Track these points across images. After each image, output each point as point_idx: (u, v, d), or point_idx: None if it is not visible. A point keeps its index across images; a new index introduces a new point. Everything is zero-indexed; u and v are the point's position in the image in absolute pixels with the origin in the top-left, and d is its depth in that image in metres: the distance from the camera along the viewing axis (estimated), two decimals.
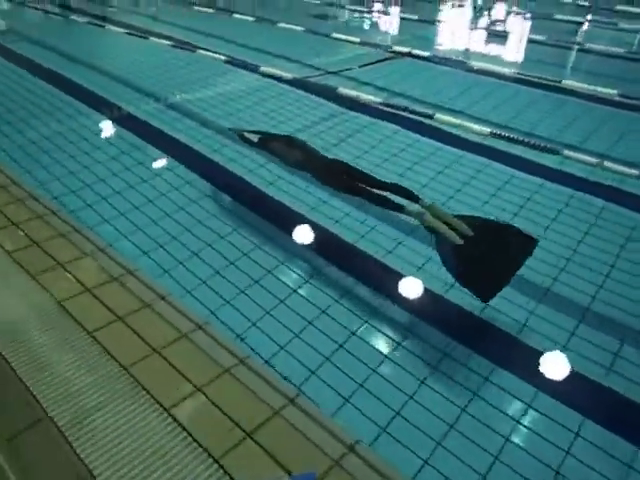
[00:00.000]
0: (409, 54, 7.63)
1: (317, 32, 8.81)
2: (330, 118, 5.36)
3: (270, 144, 4.21)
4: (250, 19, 9.72)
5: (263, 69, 6.56)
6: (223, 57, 7.06)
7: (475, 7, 12.25)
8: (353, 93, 5.86)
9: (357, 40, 8.32)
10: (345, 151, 4.58)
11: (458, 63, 7.46)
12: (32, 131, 4.70)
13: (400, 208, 3.27)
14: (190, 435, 1.92)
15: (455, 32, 10.14)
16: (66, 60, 6.91)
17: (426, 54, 7.68)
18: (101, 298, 2.55)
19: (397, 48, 7.86)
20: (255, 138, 4.36)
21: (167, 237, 3.41)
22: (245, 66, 6.79)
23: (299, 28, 8.98)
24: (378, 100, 5.75)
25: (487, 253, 2.80)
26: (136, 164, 4.24)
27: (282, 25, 9.11)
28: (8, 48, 7.27)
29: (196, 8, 10.75)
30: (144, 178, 4.04)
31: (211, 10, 10.53)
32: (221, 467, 1.82)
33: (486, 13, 11.74)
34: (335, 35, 8.58)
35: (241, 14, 9.94)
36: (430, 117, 5.33)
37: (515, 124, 5.34)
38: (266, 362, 2.50)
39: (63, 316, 2.42)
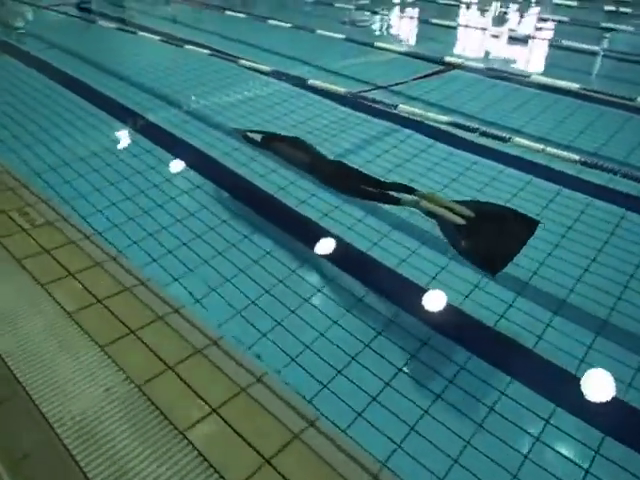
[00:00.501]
0: (460, 66, 6.94)
1: (358, 40, 8.13)
2: (383, 137, 4.91)
3: (274, 144, 4.23)
4: (285, 25, 8.79)
5: (311, 82, 5.98)
6: (264, 67, 6.45)
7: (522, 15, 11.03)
8: (410, 109, 5.35)
9: (401, 49, 7.70)
10: (409, 178, 3.97)
11: (516, 76, 6.64)
12: (44, 133, 4.71)
13: (397, 200, 3.29)
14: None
15: (506, 41, 9.19)
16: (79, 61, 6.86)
17: (480, 66, 6.99)
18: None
19: (447, 59, 7.16)
20: (258, 138, 4.38)
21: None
22: (288, 79, 6.20)
23: (338, 36, 8.26)
24: (444, 119, 5.10)
25: (490, 231, 2.86)
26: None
27: (320, 32, 8.32)
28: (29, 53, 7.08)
29: (228, 13, 9.97)
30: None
31: (242, 15, 9.78)
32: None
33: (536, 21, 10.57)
34: (379, 44, 7.83)
35: (276, 20, 9.02)
36: (505, 140, 4.68)
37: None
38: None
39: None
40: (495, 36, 9.49)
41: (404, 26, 10.36)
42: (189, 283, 2.98)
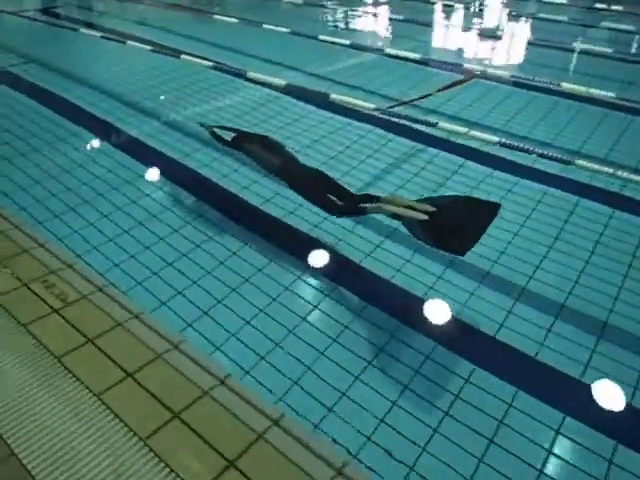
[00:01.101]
0: (484, 74, 6.43)
1: (370, 47, 7.67)
2: (409, 159, 4.47)
3: (244, 144, 3.98)
4: (283, 30, 8.14)
5: (335, 96, 5.54)
6: (277, 81, 5.94)
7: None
8: (451, 127, 4.92)
9: (417, 57, 7.03)
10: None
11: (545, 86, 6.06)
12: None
13: (363, 210, 3.21)
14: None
15: (530, 48, 8.17)
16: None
17: (505, 74, 6.46)
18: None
19: (469, 66, 6.71)
20: (228, 136, 4.13)
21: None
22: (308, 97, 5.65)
23: (344, 41, 7.68)
24: (494, 139, 4.67)
25: (453, 218, 2.91)
26: None
27: (323, 37, 7.80)
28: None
29: (217, 17, 9.31)
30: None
31: (235, 20, 8.82)
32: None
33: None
34: (390, 51, 7.32)
35: (270, 24, 8.37)
36: (567, 163, 4.34)
37: None
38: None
39: None
40: (512, 41, 8.62)
41: (413, 30, 9.24)
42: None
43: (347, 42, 7.73)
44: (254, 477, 1.73)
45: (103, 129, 4.91)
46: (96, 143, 4.72)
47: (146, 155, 4.48)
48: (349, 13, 10.21)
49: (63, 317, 2.38)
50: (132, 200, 3.76)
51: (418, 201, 3.04)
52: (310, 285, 3.03)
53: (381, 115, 5.20)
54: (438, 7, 10.62)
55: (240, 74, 6.21)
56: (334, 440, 2.09)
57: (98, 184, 3.94)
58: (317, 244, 3.37)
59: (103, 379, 2.08)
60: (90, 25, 8.65)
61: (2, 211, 3.29)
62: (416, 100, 5.56)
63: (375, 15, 10.35)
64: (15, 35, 8.26)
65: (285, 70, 6.57)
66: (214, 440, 1.85)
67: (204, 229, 3.47)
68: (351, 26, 9.58)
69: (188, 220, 3.57)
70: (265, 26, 8.34)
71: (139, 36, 7.67)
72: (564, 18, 9.40)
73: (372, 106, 5.32)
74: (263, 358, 2.50)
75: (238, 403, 2.00)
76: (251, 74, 6.14)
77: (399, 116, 5.18)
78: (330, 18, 9.95)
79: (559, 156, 4.41)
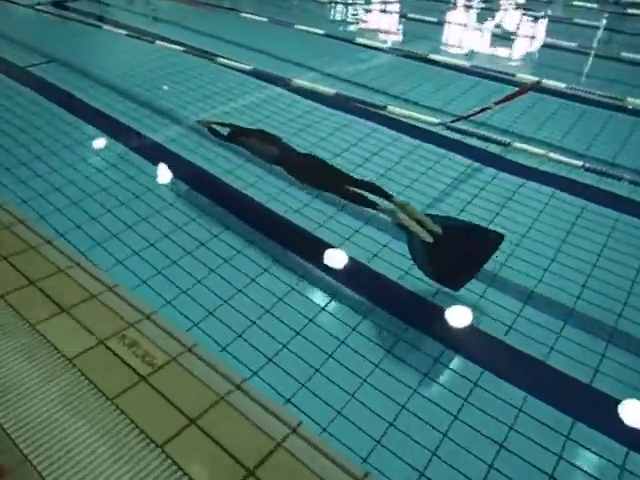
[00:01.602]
0: (538, 85, 5.77)
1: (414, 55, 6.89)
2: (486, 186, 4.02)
3: (241, 138, 4.06)
4: (318, 32, 7.58)
5: (390, 108, 5.16)
6: (327, 90, 5.54)
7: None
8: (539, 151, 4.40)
9: (466, 65, 6.52)
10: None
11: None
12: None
13: (374, 205, 3.24)
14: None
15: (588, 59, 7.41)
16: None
17: (560, 86, 5.76)
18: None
19: (522, 76, 6.05)
20: (224, 131, 4.21)
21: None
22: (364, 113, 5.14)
23: (379, 45, 7.24)
24: (576, 163, 4.21)
25: (454, 249, 2.89)
26: None
27: (361, 40, 7.34)
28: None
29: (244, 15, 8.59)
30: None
31: (264, 19, 8.25)
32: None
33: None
34: (434, 57, 6.70)
35: (304, 25, 7.81)
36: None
37: None
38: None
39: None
40: (567, 51, 7.54)
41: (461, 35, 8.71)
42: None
43: (384, 45, 7.39)
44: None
45: (131, 137, 4.60)
46: (114, 147, 4.46)
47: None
48: (384, 15, 9.72)
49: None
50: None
51: (428, 216, 3.07)
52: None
53: (434, 129, 4.82)
54: (491, 14, 9.79)
55: (280, 81, 5.76)
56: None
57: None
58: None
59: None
60: (106, 20, 8.12)
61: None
62: (476, 114, 4.99)
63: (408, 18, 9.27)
64: (33, 31, 7.61)
65: (327, 77, 6.05)
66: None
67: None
68: (386, 28, 8.80)
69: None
70: (297, 27, 7.80)
71: (166, 36, 7.17)
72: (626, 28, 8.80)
73: (435, 120, 4.88)
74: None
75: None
76: (297, 81, 5.69)
77: (463, 132, 4.75)
78: (363, 18, 9.42)
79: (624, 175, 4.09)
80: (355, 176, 3.52)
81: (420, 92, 5.79)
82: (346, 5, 10.10)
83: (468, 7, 10.26)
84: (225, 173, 4.08)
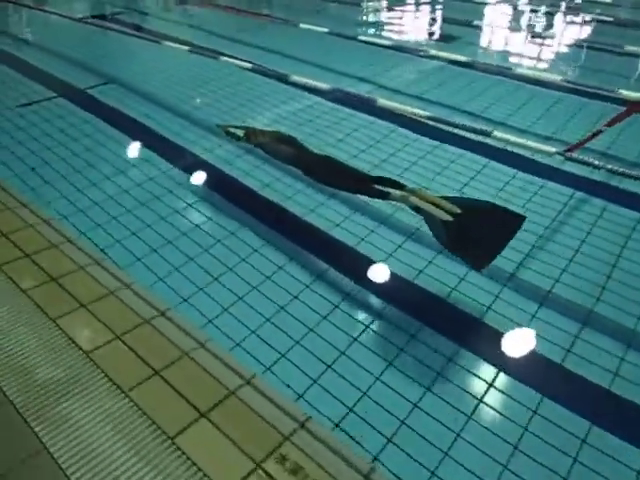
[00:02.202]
0: None
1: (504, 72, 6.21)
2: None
3: (257, 139, 4.15)
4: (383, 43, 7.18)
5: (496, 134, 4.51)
6: (399, 106, 5.07)
7: None
8: None
9: (557, 78, 5.90)
10: None
11: None
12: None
13: (386, 195, 3.26)
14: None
15: None
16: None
17: None
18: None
19: (626, 94, 5.40)
20: (241, 133, 4.29)
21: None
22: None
23: (456, 57, 6.56)
24: None
25: (476, 227, 2.85)
26: None
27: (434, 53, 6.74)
28: None
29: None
30: None
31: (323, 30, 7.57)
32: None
33: None
34: (520, 71, 6.01)
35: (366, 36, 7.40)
36: None
37: None
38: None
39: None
40: None
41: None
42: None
43: (465, 59, 6.56)
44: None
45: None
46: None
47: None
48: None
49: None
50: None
51: (445, 198, 3.03)
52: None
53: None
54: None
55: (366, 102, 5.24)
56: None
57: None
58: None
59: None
60: (156, 33, 7.53)
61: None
62: (590, 139, 4.50)
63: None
64: (82, 47, 7.13)
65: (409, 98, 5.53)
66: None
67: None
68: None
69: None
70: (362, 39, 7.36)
71: (228, 52, 6.61)
72: None
73: (551, 149, 4.29)
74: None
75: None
76: (383, 102, 5.21)
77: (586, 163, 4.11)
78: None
79: None
80: (370, 174, 3.55)
81: (525, 116, 5.16)
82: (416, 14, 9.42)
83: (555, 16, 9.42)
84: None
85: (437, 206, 2.94)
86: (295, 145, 3.99)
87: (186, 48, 6.77)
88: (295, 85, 5.71)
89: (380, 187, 3.29)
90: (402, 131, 4.82)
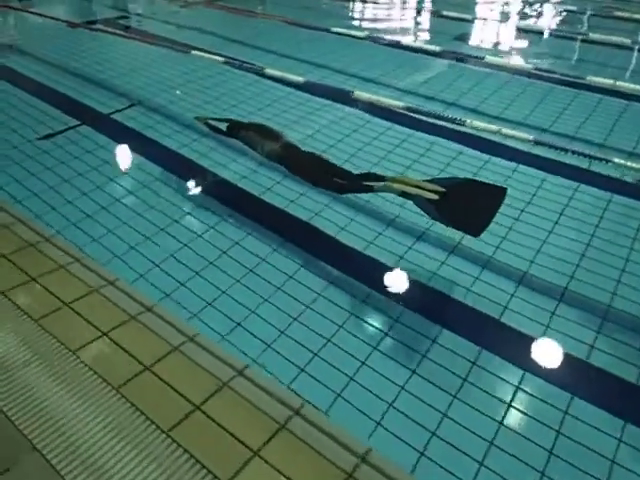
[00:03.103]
0: None
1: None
2: None
3: (241, 132, 4.00)
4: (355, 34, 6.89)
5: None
6: (493, 128, 4.52)
7: None
8: None
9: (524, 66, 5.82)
10: None
11: None
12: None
13: (370, 188, 3.28)
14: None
15: None
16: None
17: None
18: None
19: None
20: (223, 126, 4.18)
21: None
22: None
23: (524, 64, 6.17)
24: None
25: (465, 199, 2.96)
26: None
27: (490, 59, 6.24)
28: None
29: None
30: None
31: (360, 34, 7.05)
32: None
33: None
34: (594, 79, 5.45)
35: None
36: None
37: None
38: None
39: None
40: None
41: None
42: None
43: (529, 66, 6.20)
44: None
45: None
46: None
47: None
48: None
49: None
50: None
51: (428, 181, 3.10)
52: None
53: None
54: None
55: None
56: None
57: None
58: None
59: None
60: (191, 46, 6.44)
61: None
62: None
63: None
64: (110, 67, 6.12)
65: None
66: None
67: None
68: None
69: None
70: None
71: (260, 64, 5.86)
72: None
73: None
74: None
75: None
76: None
77: None
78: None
79: None
80: (354, 171, 3.51)
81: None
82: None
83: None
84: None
85: (421, 188, 3.01)
86: (280, 140, 3.80)
87: (220, 59, 5.97)
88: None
89: (364, 182, 3.32)
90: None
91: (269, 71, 5.63)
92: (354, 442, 1.88)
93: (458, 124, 4.65)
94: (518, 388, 2.40)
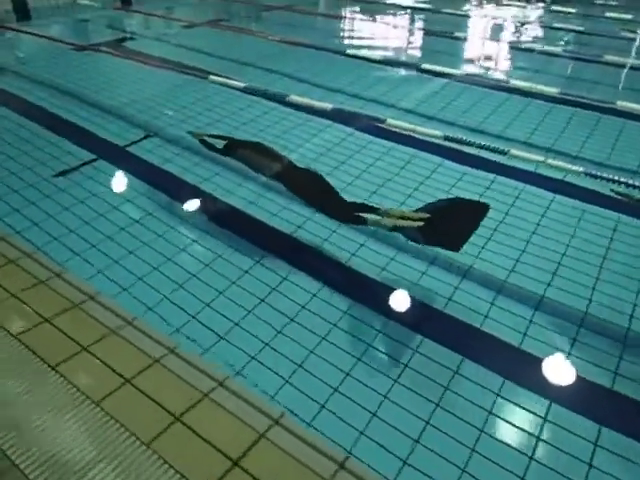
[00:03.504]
0: None
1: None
2: None
3: (236, 150, 4.07)
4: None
5: None
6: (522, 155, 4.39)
7: None
8: None
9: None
10: None
11: None
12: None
13: (364, 221, 3.38)
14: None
15: None
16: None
17: None
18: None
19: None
20: (217, 142, 4.22)
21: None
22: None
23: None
24: None
25: (446, 219, 3.22)
26: None
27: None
28: None
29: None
30: None
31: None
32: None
33: None
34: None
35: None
36: None
37: None
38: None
39: None
40: None
41: None
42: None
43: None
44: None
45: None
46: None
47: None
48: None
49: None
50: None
51: (414, 211, 3.33)
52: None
53: None
54: None
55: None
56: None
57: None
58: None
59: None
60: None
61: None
62: None
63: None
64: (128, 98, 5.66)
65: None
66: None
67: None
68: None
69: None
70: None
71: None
72: None
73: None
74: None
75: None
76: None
77: None
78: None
79: None
80: (347, 199, 3.57)
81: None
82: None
83: None
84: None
85: (407, 218, 3.21)
86: (277, 158, 3.89)
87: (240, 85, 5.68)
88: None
89: (357, 214, 3.41)
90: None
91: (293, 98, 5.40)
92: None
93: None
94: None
